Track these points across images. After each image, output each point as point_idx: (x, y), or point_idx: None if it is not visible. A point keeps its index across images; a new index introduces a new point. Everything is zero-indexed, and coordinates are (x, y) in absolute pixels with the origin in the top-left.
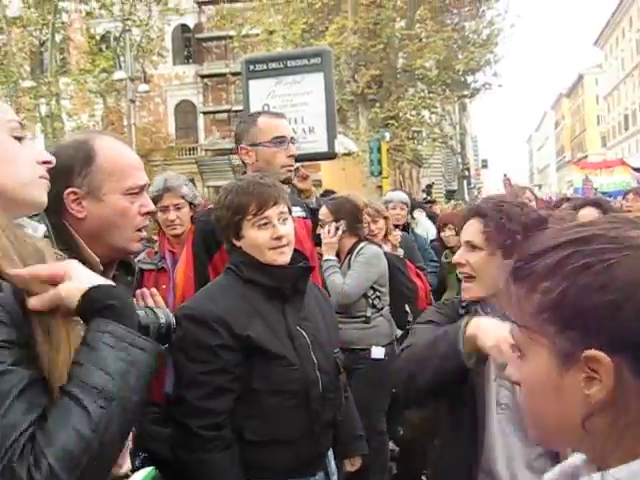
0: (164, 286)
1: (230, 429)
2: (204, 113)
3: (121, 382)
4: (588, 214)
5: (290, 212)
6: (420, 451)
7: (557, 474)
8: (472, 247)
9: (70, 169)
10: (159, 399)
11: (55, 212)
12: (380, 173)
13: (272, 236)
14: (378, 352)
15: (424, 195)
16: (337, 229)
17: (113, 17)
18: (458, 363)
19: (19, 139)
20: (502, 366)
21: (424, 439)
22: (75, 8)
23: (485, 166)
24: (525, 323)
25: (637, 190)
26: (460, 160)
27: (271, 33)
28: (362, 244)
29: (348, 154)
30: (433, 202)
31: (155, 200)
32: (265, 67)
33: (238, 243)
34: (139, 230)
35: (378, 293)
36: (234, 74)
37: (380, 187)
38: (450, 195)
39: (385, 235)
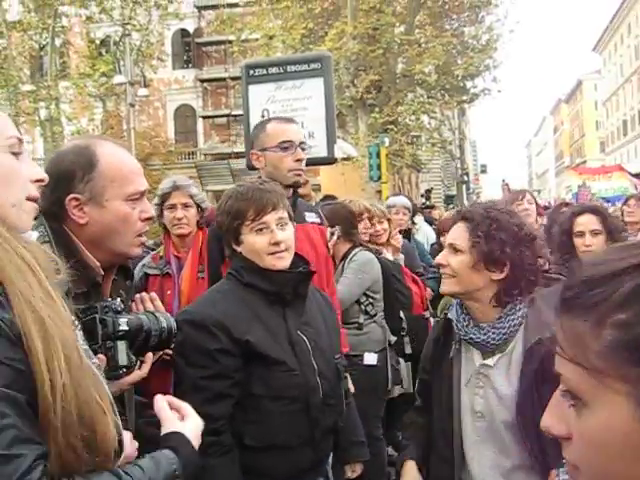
0: (169, 292)
1: (229, 434)
2: (203, 117)
3: None
4: (587, 221)
5: (291, 218)
6: None
7: None
8: (455, 250)
9: (72, 175)
10: None
11: (55, 217)
12: (379, 178)
13: (270, 241)
14: (371, 358)
15: (423, 200)
16: (332, 234)
17: (113, 21)
18: None
19: (16, 154)
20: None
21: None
22: (75, 12)
23: (484, 171)
24: (592, 364)
25: (639, 196)
26: (459, 165)
27: (271, 38)
28: (356, 250)
29: (347, 159)
30: (432, 207)
31: (163, 199)
32: (265, 72)
33: (238, 248)
34: (139, 235)
35: (371, 299)
36: (233, 79)
37: (379, 192)
38: (449, 200)
39: (387, 239)
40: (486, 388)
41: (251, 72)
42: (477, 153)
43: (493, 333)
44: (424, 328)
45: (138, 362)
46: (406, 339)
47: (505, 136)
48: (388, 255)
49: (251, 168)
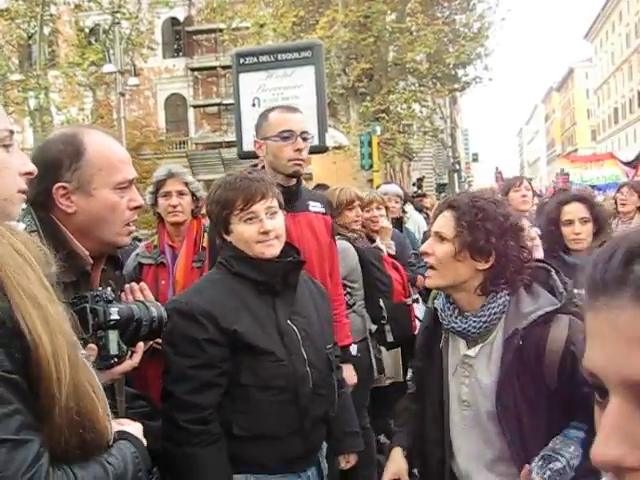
0: (164, 281)
1: (217, 423)
2: (194, 106)
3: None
4: (575, 209)
5: (281, 207)
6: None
7: None
8: (440, 238)
9: (59, 164)
10: (157, 393)
11: (42, 207)
12: (371, 167)
13: (259, 230)
14: (351, 349)
15: (415, 188)
16: None
17: (102, 10)
18: None
19: (7, 146)
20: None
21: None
22: (64, 1)
23: (476, 160)
24: None
25: (632, 184)
26: (451, 154)
27: (261, 26)
28: None
29: (339, 147)
30: (424, 195)
31: (158, 186)
32: (255, 60)
33: (228, 238)
34: (128, 224)
35: (348, 289)
36: (224, 67)
37: (371, 180)
38: (441, 189)
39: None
40: (471, 377)
41: (242, 60)
42: (469, 141)
43: (474, 322)
44: (405, 315)
45: (129, 352)
46: (387, 327)
47: (497, 124)
48: (379, 243)
49: (242, 157)
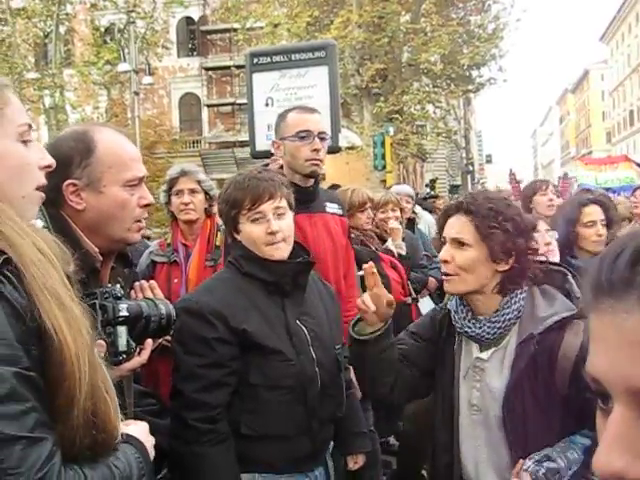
0: (176, 280)
1: (226, 423)
2: (208, 106)
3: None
4: (594, 211)
5: (291, 208)
6: (419, 445)
7: None
8: (460, 244)
9: (69, 161)
10: (167, 390)
11: (53, 203)
12: (384, 167)
13: (266, 231)
14: None
15: (428, 190)
16: None
17: (118, 9)
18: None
19: (26, 142)
20: None
21: (422, 433)
22: (79, 0)
23: (489, 161)
24: None
25: None
26: (464, 155)
27: (276, 26)
28: None
29: (352, 148)
30: (436, 197)
31: (171, 184)
32: (269, 60)
33: (238, 237)
34: (138, 221)
35: None
36: (238, 67)
37: (384, 181)
38: (454, 190)
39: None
40: (482, 382)
41: (255, 60)
42: (482, 143)
43: (488, 327)
44: (405, 314)
45: (138, 348)
46: None
47: (511, 126)
48: (390, 243)
49: (255, 156)
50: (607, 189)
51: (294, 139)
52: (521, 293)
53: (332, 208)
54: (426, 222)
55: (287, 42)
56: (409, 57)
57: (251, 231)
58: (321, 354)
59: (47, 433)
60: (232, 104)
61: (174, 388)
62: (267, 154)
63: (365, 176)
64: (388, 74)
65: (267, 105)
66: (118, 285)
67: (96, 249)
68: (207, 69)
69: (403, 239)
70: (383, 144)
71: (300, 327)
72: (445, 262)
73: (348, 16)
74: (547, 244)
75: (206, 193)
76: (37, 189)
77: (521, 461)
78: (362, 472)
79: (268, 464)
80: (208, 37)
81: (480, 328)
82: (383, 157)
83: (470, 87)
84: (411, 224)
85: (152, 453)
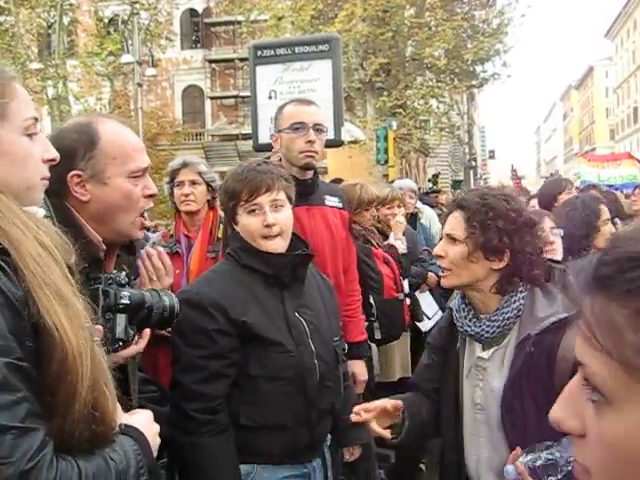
0: (177, 271)
1: (226, 414)
2: (211, 98)
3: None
4: (605, 209)
5: (291, 201)
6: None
7: None
8: (453, 240)
9: (73, 152)
10: (167, 380)
11: (57, 194)
12: (386, 162)
13: (262, 223)
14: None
15: (430, 185)
16: None
17: (121, 0)
18: None
19: (31, 135)
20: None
21: None
22: None
23: (492, 157)
24: (625, 359)
25: None
26: (467, 150)
27: (280, 19)
28: None
29: (355, 142)
30: (439, 192)
31: (172, 176)
32: (273, 53)
33: (237, 228)
34: (141, 215)
35: None
36: (242, 59)
37: (386, 175)
38: (456, 185)
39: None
40: (484, 381)
41: (259, 53)
42: (485, 138)
43: (487, 326)
44: (398, 310)
45: (136, 337)
46: (375, 324)
47: (514, 122)
48: (392, 238)
49: (258, 149)
50: (609, 186)
51: (288, 131)
52: (521, 292)
53: (332, 201)
54: (427, 217)
55: (291, 35)
56: (413, 51)
57: (248, 223)
58: (320, 346)
59: (39, 423)
60: (235, 97)
61: (174, 379)
62: (270, 147)
63: (368, 170)
64: (392, 68)
65: (270, 98)
66: (123, 273)
67: (99, 238)
68: (210, 61)
69: (403, 234)
70: (386, 138)
71: (299, 319)
72: (440, 257)
73: (352, 10)
74: (550, 243)
75: (208, 185)
76: (42, 180)
77: (518, 449)
78: (357, 464)
79: (267, 455)
80: (212, 29)
81: (480, 327)
82: (386, 151)
83: (474, 82)
84: (413, 219)
85: (157, 441)
